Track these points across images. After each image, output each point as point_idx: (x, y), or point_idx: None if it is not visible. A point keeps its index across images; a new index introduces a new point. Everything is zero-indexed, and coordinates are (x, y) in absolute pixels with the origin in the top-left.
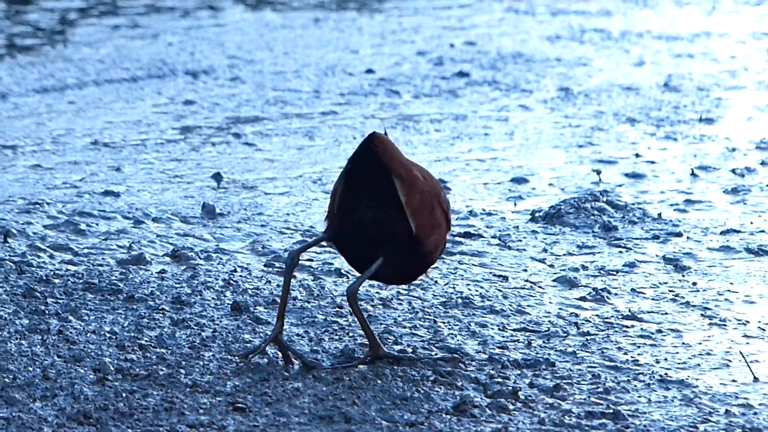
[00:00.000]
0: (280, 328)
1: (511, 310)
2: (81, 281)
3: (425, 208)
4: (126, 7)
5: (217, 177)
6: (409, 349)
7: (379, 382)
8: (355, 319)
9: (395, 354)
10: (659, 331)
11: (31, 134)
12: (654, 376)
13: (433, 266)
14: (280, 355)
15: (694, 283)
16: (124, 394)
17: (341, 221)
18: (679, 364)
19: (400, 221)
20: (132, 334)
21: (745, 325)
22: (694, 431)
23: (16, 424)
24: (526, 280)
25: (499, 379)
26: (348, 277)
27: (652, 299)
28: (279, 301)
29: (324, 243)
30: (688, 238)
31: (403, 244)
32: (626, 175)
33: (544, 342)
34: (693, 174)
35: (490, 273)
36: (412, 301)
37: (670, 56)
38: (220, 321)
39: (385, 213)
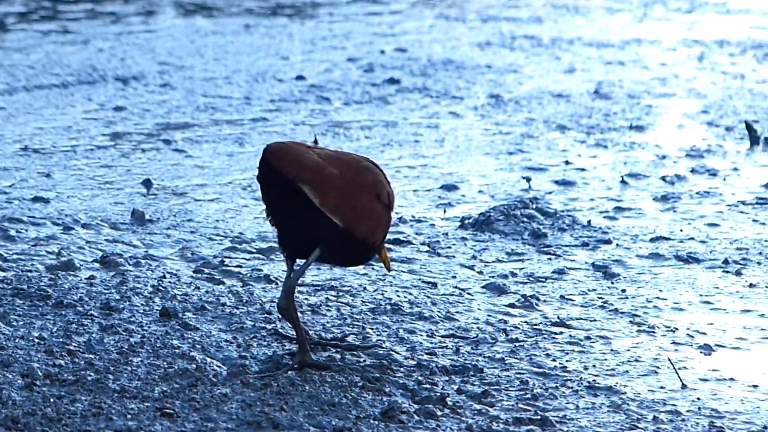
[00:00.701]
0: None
1: (439, 317)
2: (10, 287)
3: (346, 202)
4: (65, 12)
5: (147, 183)
6: (338, 356)
7: (307, 387)
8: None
9: (322, 363)
10: (588, 338)
11: None
12: (582, 383)
13: (383, 242)
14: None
15: (623, 290)
16: (52, 400)
17: (278, 231)
18: (607, 370)
19: (323, 220)
20: (60, 340)
21: (673, 332)
22: None
23: None
24: (455, 287)
25: (427, 385)
26: (277, 284)
27: (581, 306)
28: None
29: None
30: (617, 245)
31: (334, 240)
32: (556, 182)
33: (472, 348)
34: (623, 181)
35: (419, 280)
36: (341, 308)
37: (601, 63)
38: (149, 327)
39: (307, 218)
